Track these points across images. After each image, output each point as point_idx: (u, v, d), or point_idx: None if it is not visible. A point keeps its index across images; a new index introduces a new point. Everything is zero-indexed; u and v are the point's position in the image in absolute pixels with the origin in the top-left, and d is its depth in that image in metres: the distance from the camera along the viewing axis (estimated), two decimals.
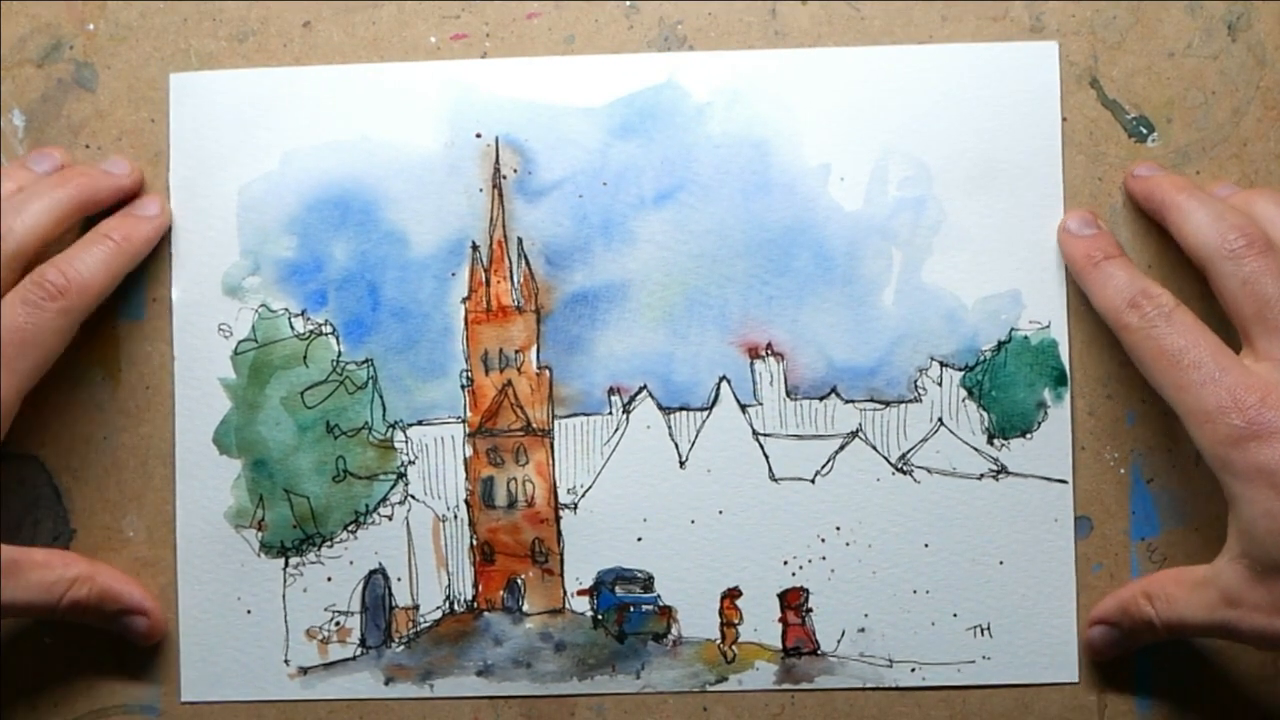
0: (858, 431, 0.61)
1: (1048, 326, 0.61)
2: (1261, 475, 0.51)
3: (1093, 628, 0.60)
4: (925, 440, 0.61)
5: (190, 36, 0.63)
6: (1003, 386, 0.61)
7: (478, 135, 0.62)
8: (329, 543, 0.62)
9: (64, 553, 0.60)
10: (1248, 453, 0.52)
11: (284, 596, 0.61)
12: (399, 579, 0.62)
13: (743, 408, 0.62)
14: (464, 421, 0.62)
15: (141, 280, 0.62)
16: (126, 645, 0.61)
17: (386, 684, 0.61)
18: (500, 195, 0.62)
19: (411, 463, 0.62)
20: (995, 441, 0.61)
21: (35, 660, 0.62)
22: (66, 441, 0.62)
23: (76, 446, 0.62)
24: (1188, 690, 0.60)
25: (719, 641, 0.61)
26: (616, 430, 0.62)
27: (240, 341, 0.62)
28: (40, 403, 0.58)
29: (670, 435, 0.62)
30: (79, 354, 0.60)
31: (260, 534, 0.62)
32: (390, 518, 0.62)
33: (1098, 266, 0.58)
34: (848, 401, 0.62)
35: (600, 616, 0.61)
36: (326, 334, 0.62)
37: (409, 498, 0.62)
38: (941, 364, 0.61)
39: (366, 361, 0.62)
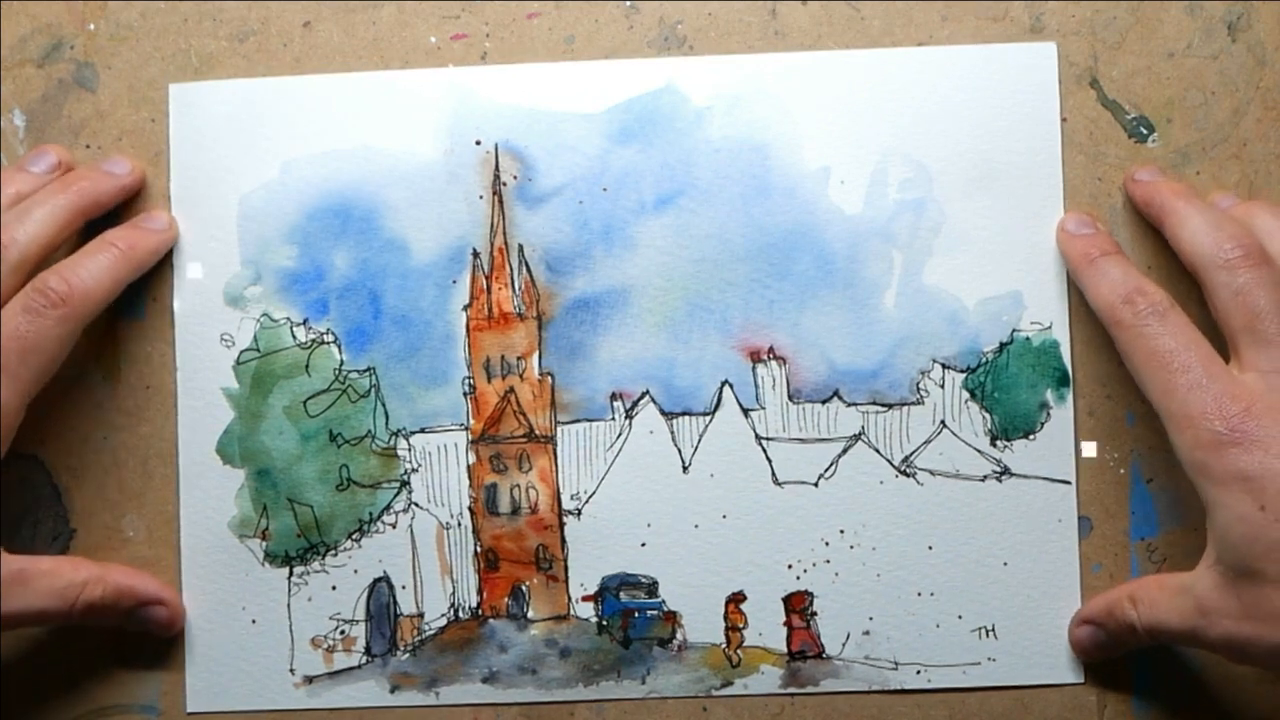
0: (860, 434, 0.61)
1: (1049, 327, 0.61)
2: (1238, 481, 0.51)
3: (1079, 627, 0.60)
4: (928, 442, 0.61)
5: (190, 36, 0.63)
6: (1005, 388, 0.61)
7: (477, 142, 0.62)
8: (333, 551, 0.62)
9: (71, 558, 0.60)
10: (1226, 458, 0.52)
11: (289, 606, 0.62)
12: (403, 587, 0.62)
13: (745, 412, 0.62)
14: (467, 429, 0.62)
15: (141, 280, 0.61)
16: (126, 645, 0.61)
17: (392, 692, 0.61)
18: (500, 202, 0.62)
19: (415, 470, 0.62)
20: (998, 443, 0.61)
21: (35, 660, 0.62)
22: (66, 441, 0.62)
23: (76, 446, 0.62)
24: (1187, 691, 0.61)
25: (724, 646, 0.61)
26: (619, 436, 0.62)
27: (242, 351, 0.62)
28: (40, 402, 0.58)
29: (673, 440, 0.62)
30: (79, 353, 0.60)
31: (264, 544, 0.62)
32: (394, 526, 0.62)
33: (1093, 263, 0.58)
34: (850, 404, 0.62)
35: (605, 622, 0.61)
36: (328, 343, 0.62)
37: (412, 505, 0.62)
38: (943, 366, 0.61)
39: (369, 370, 0.62)
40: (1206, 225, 0.56)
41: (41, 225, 0.58)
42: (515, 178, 0.62)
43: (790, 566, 0.61)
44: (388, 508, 0.62)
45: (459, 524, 0.62)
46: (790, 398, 0.62)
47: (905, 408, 0.61)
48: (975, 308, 0.61)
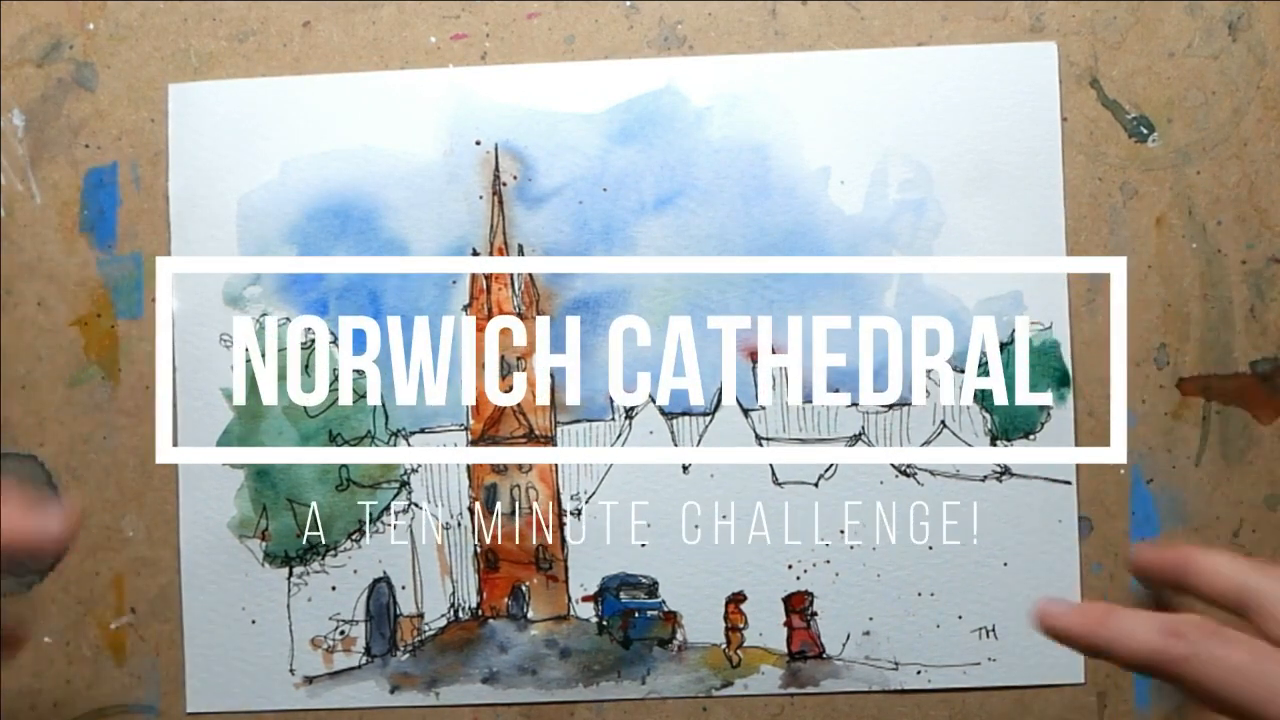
0: (860, 434, 0.61)
1: (1049, 327, 0.61)
2: None
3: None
4: (928, 442, 0.61)
5: (190, 36, 0.63)
6: (1005, 388, 0.61)
7: (477, 142, 0.62)
8: (333, 552, 0.62)
9: None
10: None
11: (288, 606, 0.62)
12: (403, 587, 0.62)
13: (745, 412, 0.62)
14: (466, 429, 0.62)
15: (140, 279, 0.62)
16: (126, 645, 0.62)
17: (392, 692, 0.61)
18: (500, 202, 0.62)
19: (414, 471, 0.62)
20: (998, 443, 0.61)
21: (35, 660, 0.62)
22: (66, 441, 0.62)
23: (76, 446, 0.62)
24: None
25: (724, 646, 0.61)
26: (619, 436, 0.62)
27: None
28: (40, 402, 0.58)
29: (673, 440, 0.62)
30: (79, 353, 0.60)
31: (264, 544, 0.62)
32: (394, 526, 0.62)
33: (1106, 623, 0.46)
34: (850, 404, 0.62)
35: (605, 623, 0.61)
36: (328, 343, 0.62)
37: (412, 506, 0.62)
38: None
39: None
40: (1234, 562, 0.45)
41: None
42: (515, 178, 0.62)
43: (790, 566, 0.61)
44: (387, 508, 0.62)
45: (459, 524, 0.62)
46: (790, 398, 0.61)
47: (905, 408, 0.61)
48: (975, 308, 0.61)
